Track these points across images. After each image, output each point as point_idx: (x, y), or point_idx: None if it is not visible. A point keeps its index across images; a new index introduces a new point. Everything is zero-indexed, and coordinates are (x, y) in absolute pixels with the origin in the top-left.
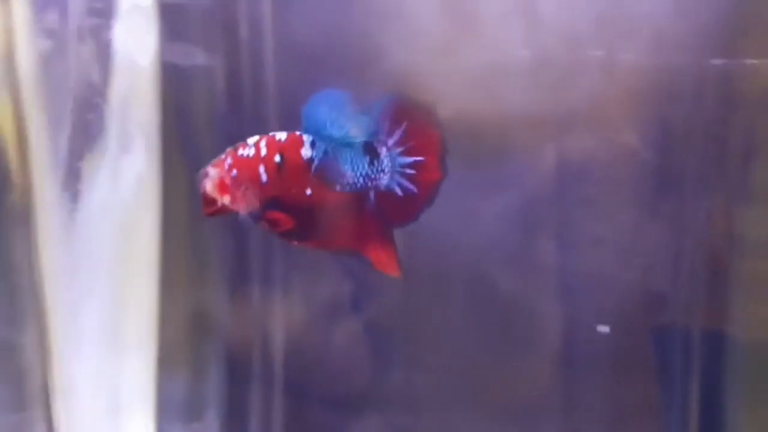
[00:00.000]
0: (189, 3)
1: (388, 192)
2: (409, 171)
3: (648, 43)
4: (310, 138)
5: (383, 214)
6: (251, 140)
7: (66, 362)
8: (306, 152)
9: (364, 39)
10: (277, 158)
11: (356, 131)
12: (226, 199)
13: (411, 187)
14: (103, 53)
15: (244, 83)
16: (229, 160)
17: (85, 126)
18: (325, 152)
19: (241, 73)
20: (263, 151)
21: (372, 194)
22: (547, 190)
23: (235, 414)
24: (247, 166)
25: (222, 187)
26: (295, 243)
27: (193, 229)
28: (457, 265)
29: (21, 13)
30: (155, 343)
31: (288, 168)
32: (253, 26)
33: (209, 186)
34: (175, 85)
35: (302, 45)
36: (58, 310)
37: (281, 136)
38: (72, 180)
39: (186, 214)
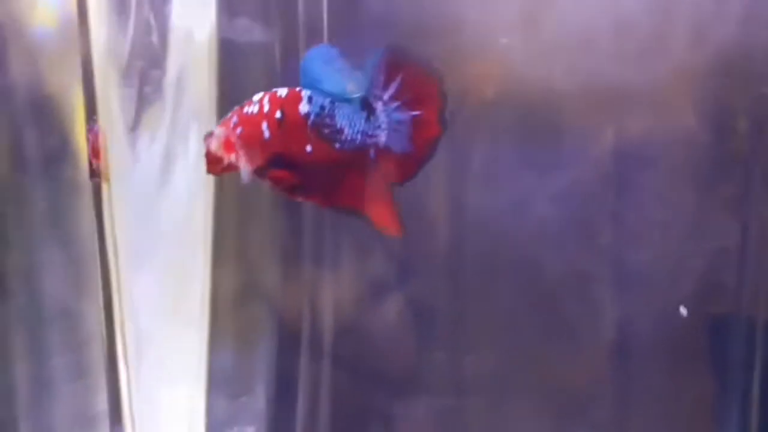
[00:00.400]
0: None
1: (387, 149)
2: (405, 127)
3: (736, 20)
4: (308, 93)
5: (383, 171)
6: (256, 97)
7: (126, 331)
8: (303, 108)
9: (431, 9)
10: (278, 114)
11: (351, 86)
12: (232, 157)
13: (408, 144)
14: (162, 25)
15: (301, 60)
16: (234, 119)
17: (142, 98)
18: (322, 107)
19: (298, 50)
20: (266, 108)
21: (372, 151)
22: (610, 170)
23: (283, 388)
24: (251, 122)
25: (227, 145)
26: (301, 199)
27: (246, 205)
28: (509, 245)
29: None
30: (208, 316)
31: (288, 124)
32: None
33: (214, 145)
34: (232, 61)
35: (362, 18)
36: (119, 279)
37: (282, 92)
38: (129, 151)
39: (239, 192)
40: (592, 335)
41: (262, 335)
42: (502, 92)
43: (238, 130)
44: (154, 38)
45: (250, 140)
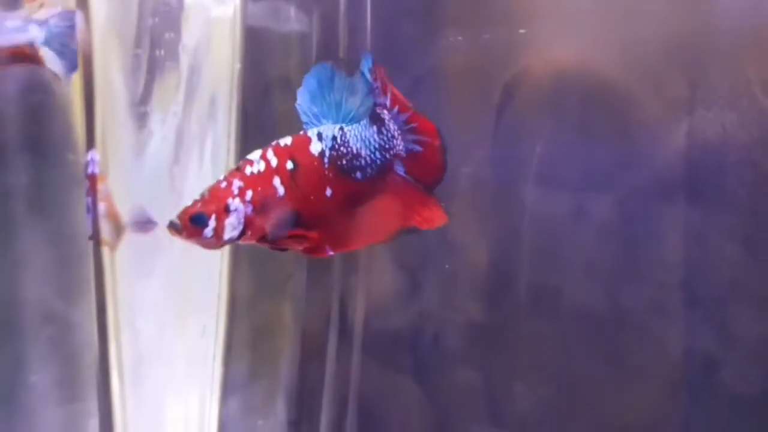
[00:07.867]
0: None
1: (411, 154)
2: (413, 124)
3: None
4: (316, 131)
5: (419, 178)
6: (254, 155)
7: (126, 336)
8: (315, 148)
9: None
10: (289, 164)
11: (351, 98)
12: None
13: (427, 139)
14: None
15: (339, 50)
16: (236, 184)
17: (153, 63)
18: (333, 138)
19: (337, 39)
20: (273, 162)
21: (399, 166)
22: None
23: (301, 407)
24: (261, 182)
25: (251, 224)
26: (330, 254)
27: None
28: (568, 260)
29: None
30: (225, 321)
31: (302, 171)
32: None
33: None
34: (265, 49)
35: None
36: (115, 279)
37: (286, 141)
38: (139, 125)
39: None
40: (651, 366)
41: (284, 352)
42: None
43: (248, 195)
44: (176, 16)
45: (263, 203)
